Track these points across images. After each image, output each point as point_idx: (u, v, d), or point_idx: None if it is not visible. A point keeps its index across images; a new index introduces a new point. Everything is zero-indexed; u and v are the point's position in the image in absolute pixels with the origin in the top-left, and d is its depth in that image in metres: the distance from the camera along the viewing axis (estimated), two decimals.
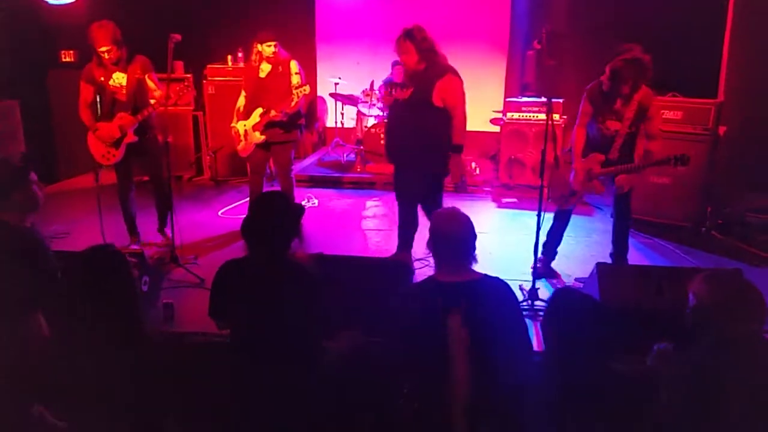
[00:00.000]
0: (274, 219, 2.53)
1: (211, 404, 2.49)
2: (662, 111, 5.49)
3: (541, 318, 3.92)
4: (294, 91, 5.04)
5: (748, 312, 2.14)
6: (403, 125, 4.29)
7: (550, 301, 2.24)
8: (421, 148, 4.23)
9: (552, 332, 2.13)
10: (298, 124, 5.32)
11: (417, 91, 4.20)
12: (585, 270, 4.52)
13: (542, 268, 4.62)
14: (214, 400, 2.43)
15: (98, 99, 4.78)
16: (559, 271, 4.71)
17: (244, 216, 2.65)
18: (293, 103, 5.05)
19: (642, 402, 2.08)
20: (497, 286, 2.37)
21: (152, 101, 4.76)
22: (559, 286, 4.52)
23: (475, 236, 2.42)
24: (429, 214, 4.21)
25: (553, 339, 2.13)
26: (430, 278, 2.45)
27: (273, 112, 5.12)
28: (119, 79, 4.70)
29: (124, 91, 4.70)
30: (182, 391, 2.50)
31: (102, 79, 4.70)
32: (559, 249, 4.73)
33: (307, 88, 5.07)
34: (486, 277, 2.39)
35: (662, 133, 4.20)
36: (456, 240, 2.37)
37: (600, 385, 2.01)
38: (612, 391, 2.04)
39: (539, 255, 4.58)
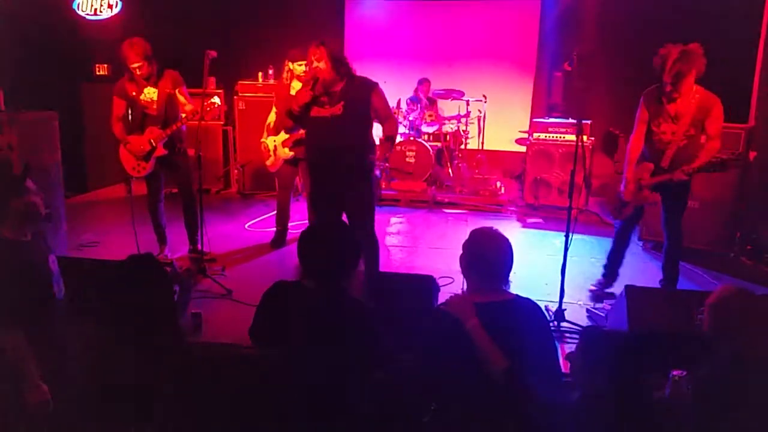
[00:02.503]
0: (342, 253, 2.43)
1: (238, 414, 2.50)
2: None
3: (566, 339, 3.92)
4: None
5: (749, 330, 2.13)
6: (342, 142, 4.00)
7: (580, 342, 2.22)
8: (362, 163, 4.08)
9: (582, 371, 2.12)
10: None
11: (352, 106, 4.01)
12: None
13: (598, 291, 4.58)
14: (242, 409, 2.44)
15: (129, 113, 4.92)
16: (583, 294, 4.66)
17: (306, 244, 2.48)
18: None
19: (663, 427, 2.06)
20: (529, 308, 2.36)
21: (183, 115, 4.87)
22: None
23: (512, 258, 2.41)
24: (363, 228, 4.14)
25: (583, 377, 2.12)
26: (461, 297, 2.44)
27: (302, 130, 5.20)
28: (150, 93, 4.81)
29: (154, 106, 4.82)
30: (210, 399, 2.53)
31: (134, 94, 4.82)
32: (584, 271, 4.71)
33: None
34: (518, 298, 2.38)
35: (719, 134, 3.99)
36: (495, 260, 2.36)
37: (629, 412, 2.00)
38: (639, 416, 2.03)
39: (600, 277, 4.58)
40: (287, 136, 5.29)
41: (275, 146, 5.38)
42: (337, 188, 4.13)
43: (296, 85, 5.37)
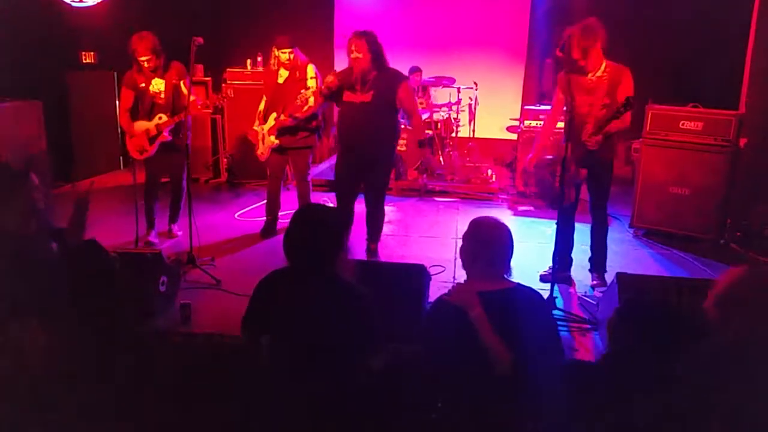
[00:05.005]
0: (315, 232, 2.40)
1: (230, 406, 2.48)
2: (682, 120, 5.50)
3: (572, 328, 3.91)
4: (297, 97, 5.06)
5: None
6: (368, 128, 4.50)
7: (623, 310, 2.19)
8: (384, 147, 4.65)
9: (622, 338, 2.09)
10: (313, 128, 5.31)
11: (380, 95, 4.46)
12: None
13: (551, 276, 4.60)
14: (234, 401, 2.42)
15: (138, 104, 5.13)
16: (576, 281, 4.68)
17: (286, 229, 2.49)
18: (305, 108, 5.05)
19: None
20: (531, 296, 2.37)
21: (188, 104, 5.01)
22: (572, 293, 4.50)
23: (513, 247, 2.41)
24: (374, 202, 4.81)
25: (619, 342, 2.09)
26: (464, 286, 2.41)
27: (282, 117, 5.15)
28: (158, 85, 5.04)
29: (162, 96, 5.05)
30: (197, 391, 2.49)
31: (143, 85, 5.03)
32: (574, 258, 4.71)
33: (311, 99, 5.05)
34: (520, 286, 2.39)
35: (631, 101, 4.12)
36: (496, 247, 2.36)
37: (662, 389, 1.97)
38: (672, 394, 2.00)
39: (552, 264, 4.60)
40: (273, 123, 5.23)
41: (263, 135, 5.32)
42: (360, 166, 4.66)
43: (283, 73, 5.30)
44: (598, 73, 4.17)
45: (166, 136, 5.03)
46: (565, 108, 4.35)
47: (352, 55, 4.43)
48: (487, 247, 2.37)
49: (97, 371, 2.03)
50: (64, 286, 2.13)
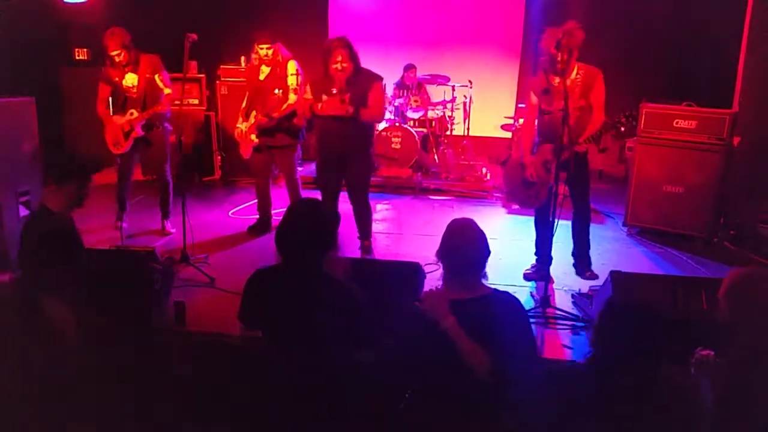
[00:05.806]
0: (309, 228, 2.41)
1: (223, 404, 2.47)
2: (676, 119, 5.52)
3: (551, 325, 3.92)
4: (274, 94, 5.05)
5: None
6: (345, 130, 4.57)
7: (606, 311, 2.18)
8: (361, 148, 4.73)
9: (604, 340, 2.08)
10: (293, 126, 5.24)
11: (356, 98, 4.52)
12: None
13: (535, 273, 4.64)
14: (228, 400, 2.41)
15: (111, 96, 5.22)
16: (567, 279, 4.68)
17: (278, 229, 2.50)
18: (284, 106, 5.03)
19: (684, 408, 2.03)
20: (507, 302, 2.32)
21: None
22: (551, 291, 4.48)
23: (488, 251, 2.35)
24: (358, 200, 4.87)
25: (604, 346, 2.08)
26: (437, 294, 2.35)
27: (259, 116, 5.11)
28: (131, 79, 5.10)
29: (135, 90, 5.09)
30: (187, 390, 2.48)
31: (117, 79, 5.11)
32: (568, 256, 4.73)
33: (291, 97, 5.06)
34: (495, 293, 2.34)
35: (603, 105, 4.26)
36: (467, 252, 2.30)
37: (647, 391, 1.97)
38: (658, 397, 2.00)
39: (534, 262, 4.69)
40: (253, 121, 5.18)
41: (244, 133, 5.26)
42: (339, 167, 4.75)
43: (265, 69, 5.20)
44: (572, 76, 4.24)
45: (138, 131, 5.09)
46: (542, 108, 4.39)
47: (335, 66, 4.45)
48: (458, 251, 2.31)
49: (99, 368, 2.04)
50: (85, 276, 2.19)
